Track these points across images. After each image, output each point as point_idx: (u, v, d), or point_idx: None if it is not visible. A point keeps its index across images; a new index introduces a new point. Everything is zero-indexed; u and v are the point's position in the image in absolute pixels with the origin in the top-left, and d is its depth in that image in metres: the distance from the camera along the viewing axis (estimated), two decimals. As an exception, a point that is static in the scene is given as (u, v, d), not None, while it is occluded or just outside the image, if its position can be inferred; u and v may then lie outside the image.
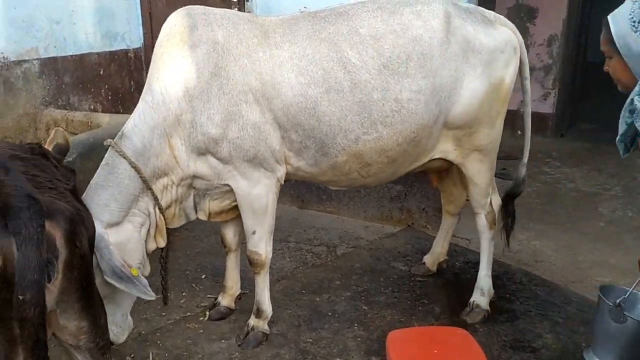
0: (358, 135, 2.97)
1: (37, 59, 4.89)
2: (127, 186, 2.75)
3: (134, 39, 5.89)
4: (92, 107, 5.45)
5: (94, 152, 3.99)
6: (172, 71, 2.83)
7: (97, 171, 2.81)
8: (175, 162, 2.89)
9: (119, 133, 2.85)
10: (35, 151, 2.01)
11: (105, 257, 2.50)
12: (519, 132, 3.46)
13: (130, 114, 2.96)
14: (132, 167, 2.75)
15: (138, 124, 2.81)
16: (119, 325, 2.78)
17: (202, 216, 3.18)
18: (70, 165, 3.68)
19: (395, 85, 2.94)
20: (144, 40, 5.96)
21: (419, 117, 3.00)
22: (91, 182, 2.77)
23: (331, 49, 2.92)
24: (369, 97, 2.92)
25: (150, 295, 2.57)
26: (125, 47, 5.82)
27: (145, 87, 2.93)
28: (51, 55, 5.02)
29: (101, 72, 5.53)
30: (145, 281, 2.63)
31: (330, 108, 2.90)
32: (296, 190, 5.37)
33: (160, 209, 2.89)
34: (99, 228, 2.52)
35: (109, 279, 2.48)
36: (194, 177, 2.96)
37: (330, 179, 3.22)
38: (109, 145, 2.82)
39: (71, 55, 5.22)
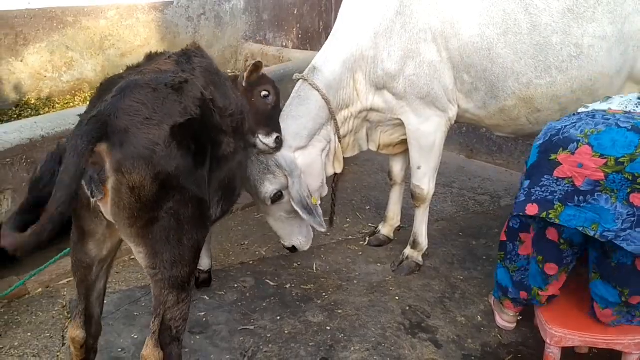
0: (530, 79, 2.94)
1: (243, -4, 5.44)
2: (316, 116, 3.00)
3: (327, -19, 6.20)
4: (284, 44, 5.93)
5: (283, 83, 4.42)
6: (361, 8, 3.04)
7: (289, 101, 3.08)
8: (356, 96, 3.12)
9: (310, 67, 3.11)
10: (171, 86, 2.02)
11: (296, 186, 2.84)
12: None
13: (317, 52, 3.24)
14: (323, 98, 3.00)
15: (330, 58, 3.05)
16: (305, 235, 3.17)
17: (373, 147, 3.42)
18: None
19: (578, 30, 2.83)
20: (336, -17, 6.25)
21: (599, 65, 2.86)
22: (284, 111, 3.04)
23: None
24: (547, 40, 2.85)
25: (324, 227, 2.92)
26: (319, -11, 6.15)
27: (336, 22, 3.17)
28: (255, -7, 5.54)
29: (295, 12, 5.96)
30: (321, 212, 2.97)
31: (505, 50, 2.90)
32: (466, 139, 5.38)
33: (339, 137, 3.16)
34: (289, 154, 2.88)
35: (295, 206, 2.83)
36: (370, 110, 3.19)
37: (497, 124, 3.24)
38: (298, 79, 3.09)
39: (271, -6, 5.70)
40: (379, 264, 3.65)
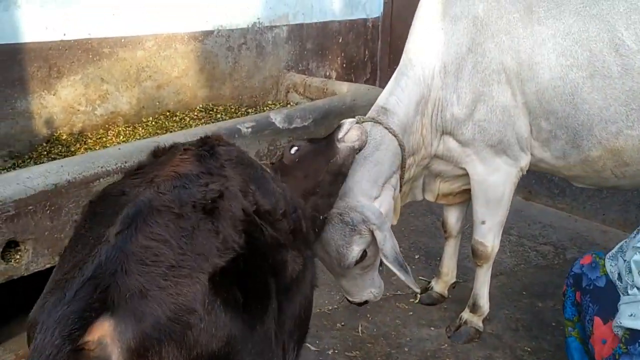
0: (620, 129, 2.55)
1: (286, 25, 5.18)
2: (391, 163, 2.62)
3: (374, 8, 5.91)
4: (327, 74, 5.64)
5: (328, 119, 4.12)
6: (431, 45, 2.69)
7: None
8: (422, 142, 2.78)
9: (378, 108, 2.71)
10: (201, 208, 1.42)
11: (388, 241, 2.38)
12: None
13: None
14: (399, 144, 2.62)
15: (403, 99, 2.68)
16: (378, 286, 2.68)
17: (430, 197, 3.06)
18: (304, 129, 3.88)
19: None
20: (382, 10, 5.95)
21: None
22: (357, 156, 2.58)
23: (602, 28, 2.52)
24: None
25: (417, 288, 2.50)
26: (365, 16, 5.87)
27: (403, 59, 2.79)
28: (298, 22, 5.28)
29: (340, 40, 5.67)
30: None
31: (592, 95, 2.53)
32: (523, 179, 4.88)
33: (400, 186, 2.77)
34: (373, 205, 2.46)
35: (389, 264, 2.36)
36: (434, 157, 2.84)
37: (577, 175, 2.85)
38: (363, 122, 2.64)
39: (315, 23, 5.43)
40: (432, 328, 3.25)
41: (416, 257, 4.06)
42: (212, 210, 1.42)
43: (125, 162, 3.07)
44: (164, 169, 1.56)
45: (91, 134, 4.03)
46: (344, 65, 5.81)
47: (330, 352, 3.04)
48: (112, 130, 4.11)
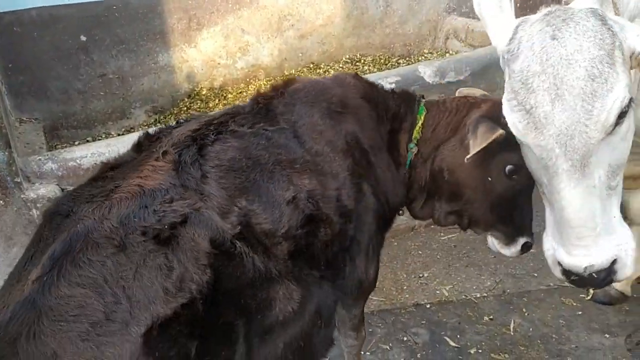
0: None
1: (447, -41, 4.52)
2: None
3: None
4: (497, 15, 4.87)
5: (489, 72, 3.51)
6: None
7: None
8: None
9: None
10: (153, 237, 1.16)
11: None
12: None
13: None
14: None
15: None
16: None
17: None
18: (459, 85, 3.33)
19: None
20: None
21: None
22: None
23: None
24: None
25: None
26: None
27: None
28: (462, -46, 4.57)
29: (513, -26, 4.83)
30: None
31: None
32: None
33: None
34: None
35: None
36: None
37: None
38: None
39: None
40: (607, 335, 2.62)
41: (593, 240, 3.33)
42: (168, 240, 1.14)
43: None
44: (130, 178, 1.27)
45: (231, 89, 3.91)
46: (519, 3, 4.96)
47: (472, 351, 2.58)
48: (253, 85, 3.95)
